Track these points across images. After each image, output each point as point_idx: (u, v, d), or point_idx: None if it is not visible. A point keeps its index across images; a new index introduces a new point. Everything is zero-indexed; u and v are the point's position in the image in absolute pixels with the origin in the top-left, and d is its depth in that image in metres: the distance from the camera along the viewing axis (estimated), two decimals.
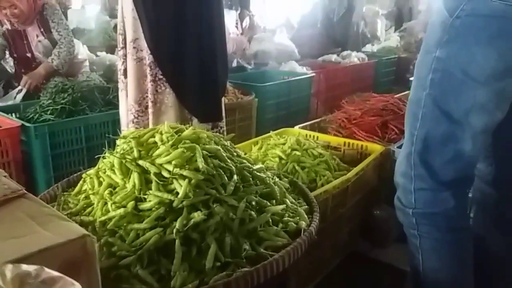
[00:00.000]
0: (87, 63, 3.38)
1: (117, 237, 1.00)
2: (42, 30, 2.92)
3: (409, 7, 7.52)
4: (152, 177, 1.06)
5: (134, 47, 1.93)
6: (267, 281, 1.15)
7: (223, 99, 2.06)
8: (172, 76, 1.90)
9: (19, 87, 2.78)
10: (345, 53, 4.82)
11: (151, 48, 1.88)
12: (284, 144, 1.86)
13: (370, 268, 1.92)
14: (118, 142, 1.22)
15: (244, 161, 1.24)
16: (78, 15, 5.19)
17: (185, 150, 1.09)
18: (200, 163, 1.08)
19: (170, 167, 1.07)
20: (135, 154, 1.12)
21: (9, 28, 2.89)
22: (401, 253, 1.87)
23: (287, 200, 1.26)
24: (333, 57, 4.57)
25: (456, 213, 1.20)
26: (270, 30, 5.30)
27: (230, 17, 5.24)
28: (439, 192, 1.17)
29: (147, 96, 1.88)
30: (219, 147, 1.18)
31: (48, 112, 2.22)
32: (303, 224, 1.17)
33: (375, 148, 2.06)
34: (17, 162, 2.01)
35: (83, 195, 1.15)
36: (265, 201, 1.17)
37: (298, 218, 1.20)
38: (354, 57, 4.70)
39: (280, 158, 1.79)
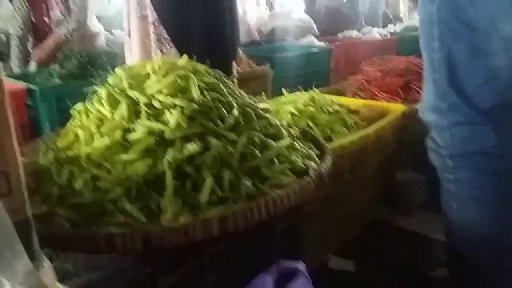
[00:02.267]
0: (102, 38, 3.33)
1: (103, 169, 0.90)
2: None
3: None
4: (142, 106, 0.96)
5: (138, 4, 1.83)
6: (271, 223, 1.04)
7: (234, 65, 1.95)
8: (177, 35, 1.80)
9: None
10: (366, 29, 4.63)
11: (154, 4, 1.79)
12: (296, 101, 1.73)
13: (393, 236, 1.79)
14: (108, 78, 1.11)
15: (247, 99, 1.13)
16: None
17: (178, 79, 0.98)
18: (195, 93, 0.97)
19: (161, 97, 0.97)
20: (125, 85, 1.02)
21: None
22: (427, 220, 1.73)
23: (296, 144, 1.14)
24: (354, 33, 4.39)
25: (500, 152, 1.02)
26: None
27: (250, 2, 5.14)
28: (477, 125, 1.01)
29: (152, 56, 1.79)
30: (218, 82, 1.07)
31: (56, 78, 2.16)
32: (313, 164, 1.05)
33: (398, 108, 1.92)
34: (24, 127, 1.95)
35: (71, 132, 1.06)
36: (270, 140, 1.05)
37: (307, 160, 1.08)
38: (376, 33, 4.50)
39: (292, 114, 1.66)
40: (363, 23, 4.99)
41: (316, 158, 1.09)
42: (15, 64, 2.86)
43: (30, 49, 2.93)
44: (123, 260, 0.77)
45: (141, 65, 1.09)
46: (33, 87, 1.98)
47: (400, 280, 1.54)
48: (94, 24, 3.20)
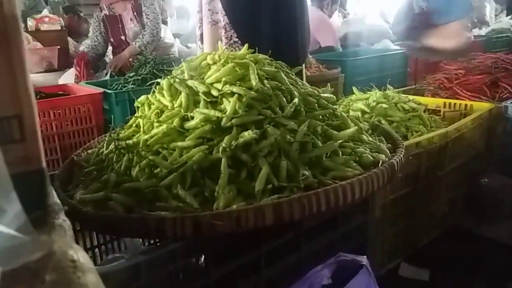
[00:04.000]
0: (175, 49, 3.45)
1: (160, 157, 0.89)
2: (135, 14, 3.07)
3: None
4: (201, 95, 0.94)
5: (209, 9, 1.86)
6: (334, 221, 0.96)
7: (303, 69, 1.90)
8: (247, 38, 1.79)
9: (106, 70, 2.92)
10: None
11: (225, 8, 1.80)
12: (368, 98, 1.63)
13: (474, 245, 1.58)
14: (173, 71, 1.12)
15: (310, 88, 1.06)
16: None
17: (237, 67, 0.95)
18: (254, 81, 0.92)
19: (220, 86, 0.94)
20: (186, 76, 1.01)
21: (107, 13, 3.07)
22: None
23: (364, 136, 1.05)
24: None
25: None
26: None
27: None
28: None
29: None
30: (279, 70, 1.02)
31: (130, 83, 2.25)
32: (383, 157, 0.95)
33: (483, 106, 1.73)
34: (100, 128, 2.05)
35: (134, 124, 1.07)
36: (333, 130, 0.98)
37: (376, 152, 0.98)
38: None
39: (363, 112, 1.56)
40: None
41: (387, 151, 0.99)
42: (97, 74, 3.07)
43: (107, 60, 3.13)
44: (175, 246, 0.73)
45: (203, 57, 1.07)
46: (109, 91, 2.08)
47: None
48: (169, 37, 3.33)
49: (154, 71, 2.26)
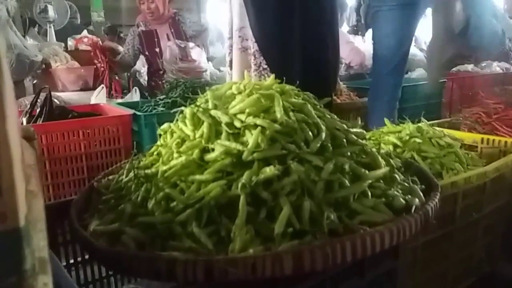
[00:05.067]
0: (208, 73, 3.49)
1: (177, 190, 0.85)
2: (172, 31, 3.15)
3: None
4: (223, 126, 0.90)
5: (239, 36, 1.86)
6: (360, 267, 0.89)
7: (332, 99, 1.86)
8: (277, 65, 1.77)
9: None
10: (484, 63, 4.20)
11: (255, 35, 1.79)
12: (400, 131, 1.55)
13: None
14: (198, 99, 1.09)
15: (339, 122, 1.01)
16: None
17: (261, 98, 0.91)
18: (279, 113, 0.88)
19: (243, 117, 0.90)
20: (210, 105, 0.98)
21: (144, 29, 3.16)
22: None
23: (396, 176, 0.98)
24: (470, 67, 4.00)
25: None
26: None
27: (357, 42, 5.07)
28: None
29: None
30: (306, 102, 0.97)
31: (161, 106, 2.26)
32: (416, 201, 0.88)
33: None
34: (128, 150, 2.04)
35: (155, 152, 1.04)
36: (362, 169, 0.92)
37: (409, 195, 0.91)
38: (496, 67, 4.06)
39: (395, 146, 1.48)
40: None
41: (421, 194, 0.92)
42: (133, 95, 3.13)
43: (142, 80, 3.19)
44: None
45: (228, 86, 1.04)
46: (138, 113, 2.09)
47: None
48: (203, 61, 3.37)
49: (185, 94, 2.26)
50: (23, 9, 3.99)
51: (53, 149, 1.86)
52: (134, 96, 3.02)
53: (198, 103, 1.01)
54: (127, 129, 2.04)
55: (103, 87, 2.75)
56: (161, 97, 2.38)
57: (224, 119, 0.91)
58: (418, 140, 1.47)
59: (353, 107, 2.55)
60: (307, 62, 1.76)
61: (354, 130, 1.01)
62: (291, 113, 0.92)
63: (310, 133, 0.90)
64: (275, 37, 1.77)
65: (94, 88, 3.19)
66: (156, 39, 3.22)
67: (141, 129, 2.09)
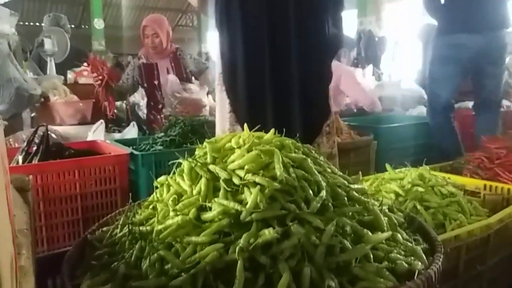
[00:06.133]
0: (207, 107, 3.50)
1: (172, 251, 0.82)
2: (173, 65, 3.17)
3: None
4: (221, 183, 0.88)
5: (220, 79, 1.82)
6: None
7: (322, 140, 1.77)
8: (247, 115, 1.69)
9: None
10: None
11: (224, 80, 1.75)
12: (402, 179, 1.53)
13: None
14: (196, 151, 1.07)
15: (340, 178, 0.99)
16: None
17: (261, 154, 0.89)
18: (278, 170, 0.86)
19: (242, 174, 0.88)
20: (208, 159, 0.96)
21: (144, 61, 3.18)
22: None
23: (399, 235, 0.95)
24: (471, 104, 4.00)
25: None
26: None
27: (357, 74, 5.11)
28: None
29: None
30: (306, 158, 0.95)
31: (159, 144, 2.24)
32: (419, 265, 0.85)
33: None
34: (124, 190, 2.01)
35: (151, 206, 1.01)
36: (364, 229, 0.89)
37: (412, 258, 0.88)
38: None
39: (397, 195, 1.46)
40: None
41: (423, 257, 0.89)
42: (131, 130, 3.12)
43: (141, 114, 3.18)
44: None
45: (228, 138, 1.03)
46: (136, 152, 2.07)
47: None
48: (203, 95, 3.38)
49: (184, 133, 2.25)
50: (25, 43, 4.04)
51: (48, 189, 1.83)
52: (132, 130, 3.00)
53: (196, 156, 0.99)
54: (123, 169, 2.01)
55: (102, 122, 2.74)
56: (160, 134, 2.36)
57: (222, 175, 0.89)
58: (420, 189, 1.44)
59: (355, 146, 2.53)
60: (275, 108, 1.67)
61: (355, 186, 0.99)
62: (291, 169, 0.90)
63: (310, 191, 0.87)
64: (236, 83, 1.70)
65: (92, 122, 3.18)
66: (156, 72, 3.25)
67: (138, 168, 2.06)
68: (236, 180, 0.87)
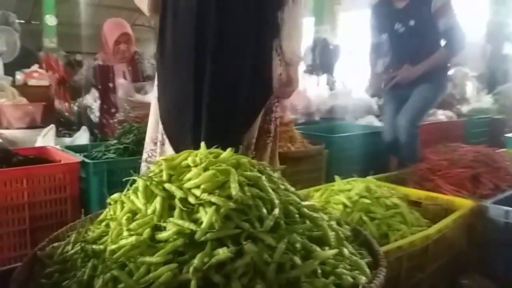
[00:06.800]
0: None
1: (125, 271, 0.83)
2: (130, 68, 3.11)
3: (503, 70, 7.00)
4: (176, 202, 0.89)
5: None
6: None
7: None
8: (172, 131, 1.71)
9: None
10: (430, 111, 4.46)
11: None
12: (350, 190, 1.61)
13: None
14: (152, 167, 1.08)
15: (292, 195, 1.03)
16: None
17: (217, 174, 0.92)
18: (234, 190, 0.89)
19: (198, 192, 0.90)
20: (164, 177, 0.97)
21: (100, 63, 3.10)
22: None
23: (345, 249, 1.01)
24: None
25: None
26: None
27: (311, 82, 5.22)
28: None
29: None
30: (261, 176, 0.99)
31: (111, 151, 2.21)
32: (363, 279, 0.91)
33: (464, 203, 1.72)
34: (74, 199, 1.97)
35: (104, 223, 1.01)
36: (313, 245, 0.94)
37: (357, 272, 0.94)
38: (441, 115, 4.32)
39: (345, 206, 1.53)
40: None
41: (367, 271, 0.95)
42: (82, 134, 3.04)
43: (92, 117, 3.11)
44: None
45: (184, 156, 1.04)
46: (87, 160, 2.03)
47: None
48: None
49: (138, 140, 2.22)
50: None
51: None
52: (84, 135, 2.93)
53: (151, 173, 1.00)
54: (74, 177, 1.96)
55: (52, 127, 2.65)
56: (113, 142, 2.32)
57: (178, 194, 0.91)
58: (366, 200, 1.52)
59: (306, 155, 2.61)
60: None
61: (306, 203, 1.04)
62: (246, 188, 0.93)
63: (264, 210, 0.91)
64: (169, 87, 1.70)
65: (42, 125, 3.07)
66: (111, 75, 3.17)
67: (89, 176, 2.02)
68: (192, 200, 0.89)
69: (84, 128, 2.97)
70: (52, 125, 2.65)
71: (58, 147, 2.41)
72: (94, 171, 1.98)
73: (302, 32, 1.79)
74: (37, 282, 0.92)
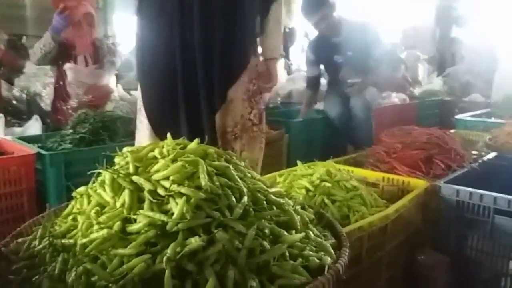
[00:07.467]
0: (116, 94, 3.36)
1: (98, 264, 0.83)
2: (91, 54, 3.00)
3: (451, 53, 7.31)
4: (146, 194, 0.90)
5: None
6: None
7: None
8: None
9: None
10: (384, 94, 4.61)
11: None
12: (312, 174, 1.66)
13: None
14: (116, 159, 1.07)
15: (259, 183, 1.06)
16: None
17: (186, 165, 0.93)
18: (203, 180, 0.90)
19: (167, 184, 0.91)
20: (131, 169, 0.97)
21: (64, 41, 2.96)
22: None
23: (310, 232, 1.05)
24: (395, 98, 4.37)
25: None
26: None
27: None
28: None
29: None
30: (229, 165, 1.00)
31: (67, 142, 2.14)
32: (329, 260, 0.95)
33: (419, 184, 1.82)
34: (30, 192, 1.91)
35: (71, 217, 1.00)
36: (281, 230, 0.97)
37: (322, 253, 0.98)
38: (395, 98, 4.48)
39: (307, 190, 1.58)
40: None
41: (332, 252, 0.99)
42: (34, 124, 2.89)
43: (43, 105, 2.97)
44: None
45: (150, 148, 1.04)
46: (42, 151, 1.96)
47: None
48: (112, 84, 3.25)
49: (94, 130, 2.17)
50: None
51: None
52: (35, 124, 2.80)
53: (117, 167, 0.99)
54: (30, 170, 1.90)
55: (1, 117, 2.52)
56: (68, 131, 2.24)
57: (147, 186, 0.91)
58: (327, 184, 1.58)
59: (268, 141, 2.63)
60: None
61: (273, 190, 1.07)
62: (215, 178, 0.94)
63: (233, 198, 0.93)
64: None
65: None
66: (73, 52, 3.03)
67: (45, 168, 1.96)
68: (161, 191, 0.90)
69: (36, 117, 2.84)
70: (1, 114, 2.51)
71: (9, 137, 2.31)
72: (51, 162, 1.92)
73: (281, 29, 1.89)
74: (5, 279, 0.90)
